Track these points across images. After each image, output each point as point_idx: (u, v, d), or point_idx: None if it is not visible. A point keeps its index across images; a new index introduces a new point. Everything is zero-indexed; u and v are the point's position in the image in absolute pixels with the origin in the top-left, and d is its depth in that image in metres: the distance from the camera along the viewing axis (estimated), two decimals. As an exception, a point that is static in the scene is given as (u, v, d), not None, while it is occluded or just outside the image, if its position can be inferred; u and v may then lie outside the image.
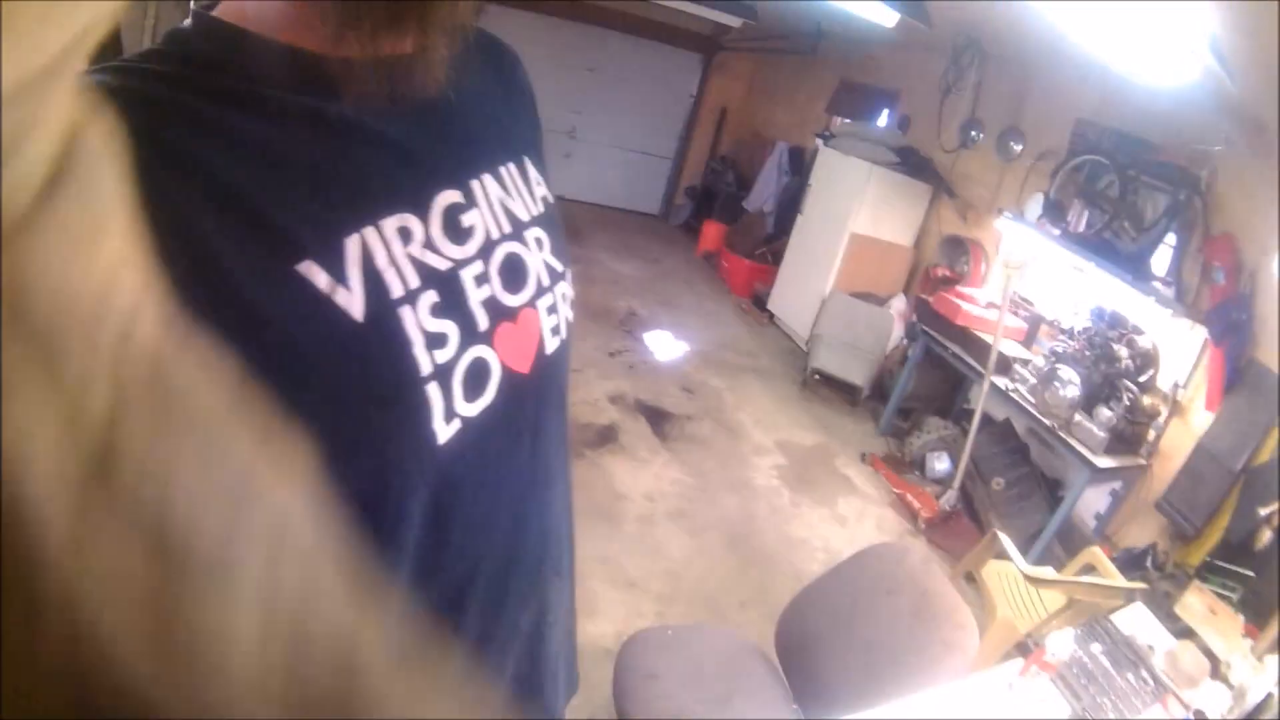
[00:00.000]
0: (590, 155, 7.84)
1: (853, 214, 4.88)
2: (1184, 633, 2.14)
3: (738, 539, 3.09)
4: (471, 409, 0.53)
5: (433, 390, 0.49)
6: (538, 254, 0.61)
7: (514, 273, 0.58)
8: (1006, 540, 2.50)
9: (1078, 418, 3.12)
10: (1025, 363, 3.49)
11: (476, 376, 0.53)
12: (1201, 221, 3.15)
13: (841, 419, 4.45)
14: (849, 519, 3.45)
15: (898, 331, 4.68)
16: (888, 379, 4.56)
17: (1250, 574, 2.50)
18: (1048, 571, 2.48)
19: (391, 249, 0.49)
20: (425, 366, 0.49)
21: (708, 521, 3.15)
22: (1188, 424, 3.11)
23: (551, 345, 0.61)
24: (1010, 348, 3.67)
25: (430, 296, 0.50)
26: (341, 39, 0.45)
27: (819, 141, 5.61)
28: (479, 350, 0.53)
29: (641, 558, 2.82)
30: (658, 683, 1.65)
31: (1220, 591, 2.36)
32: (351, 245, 0.47)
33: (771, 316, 5.76)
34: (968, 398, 4.27)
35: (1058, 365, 3.26)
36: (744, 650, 1.84)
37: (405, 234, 0.50)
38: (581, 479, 3.23)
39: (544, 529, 0.66)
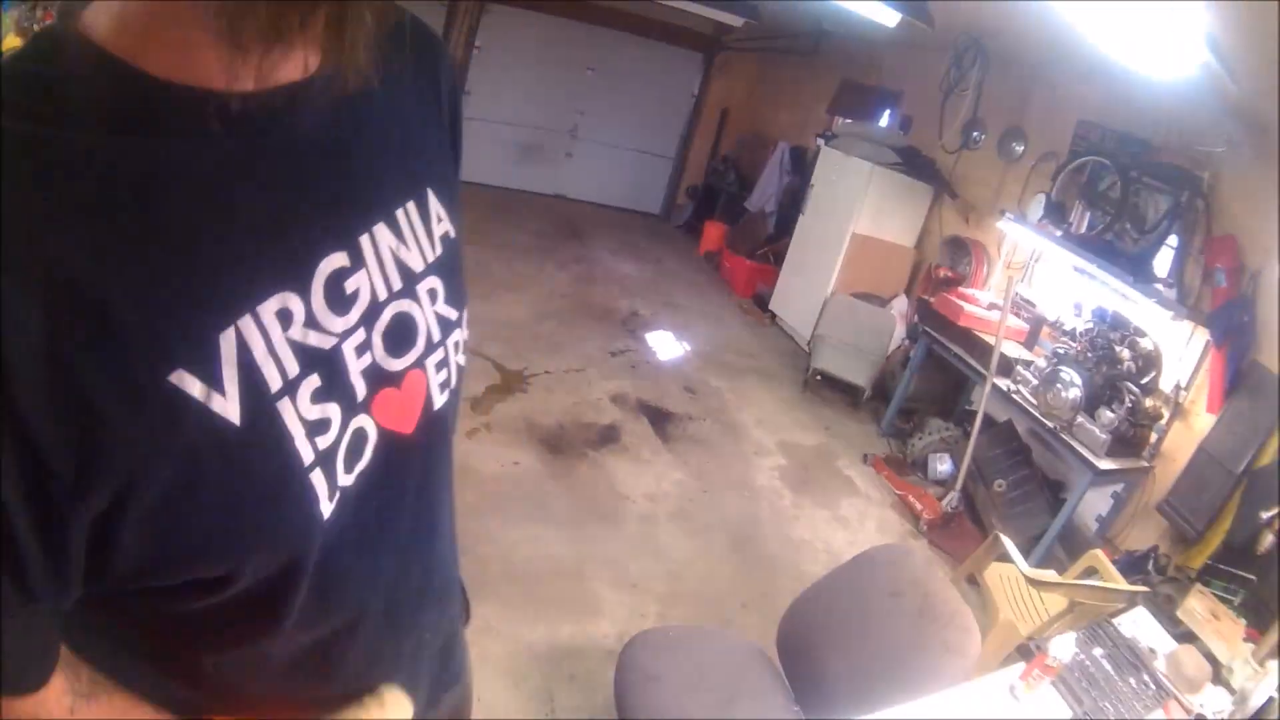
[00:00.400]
0: (592, 155, 7.84)
1: (854, 214, 4.88)
2: (1185, 636, 2.14)
3: (739, 540, 3.09)
4: (348, 478, 0.52)
5: (316, 477, 0.48)
6: (429, 308, 0.58)
7: (401, 333, 0.55)
8: (1008, 542, 2.49)
9: (1079, 420, 3.11)
10: (1027, 364, 3.48)
11: (355, 447, 0.52)
12: (1203, 223, 3.15)
13: (843, 420, 4.44)
14: (851, 520, 3.45)
15: (899, 332, 4.68)
16: (889, 380, 4.56)
17: (1252, 578, 2.50)
18: (1049, 574, 2.48)
19: (270, 336, 0.45)
20: (308, 456, 0.47)
21: (709, 522, 3.15)
22: (1189, 426, 3.11)
23: (440, 400, 0.60)
24: (1012, 349, 3.67)
25: (312, 382, 0.48)
26: (231, 63, 0.40)
27: (820, 142, 5.61)
28: (359, 421, 0.52)
29: (643, 559, 2.82)
30: (659, 684, 1.65)
31: (1222, 595, 2.36)
32: (225, 343, 0.43)
33: (773, 317, 5.76)
34: (969, 399, 4.27)
35: (1060, 367, 3.26)
36: (746, 652, 1.84)
37: (285, 316, 0.46)
38: (583, 479, 3.23)
39: (428, 566, 0.68)
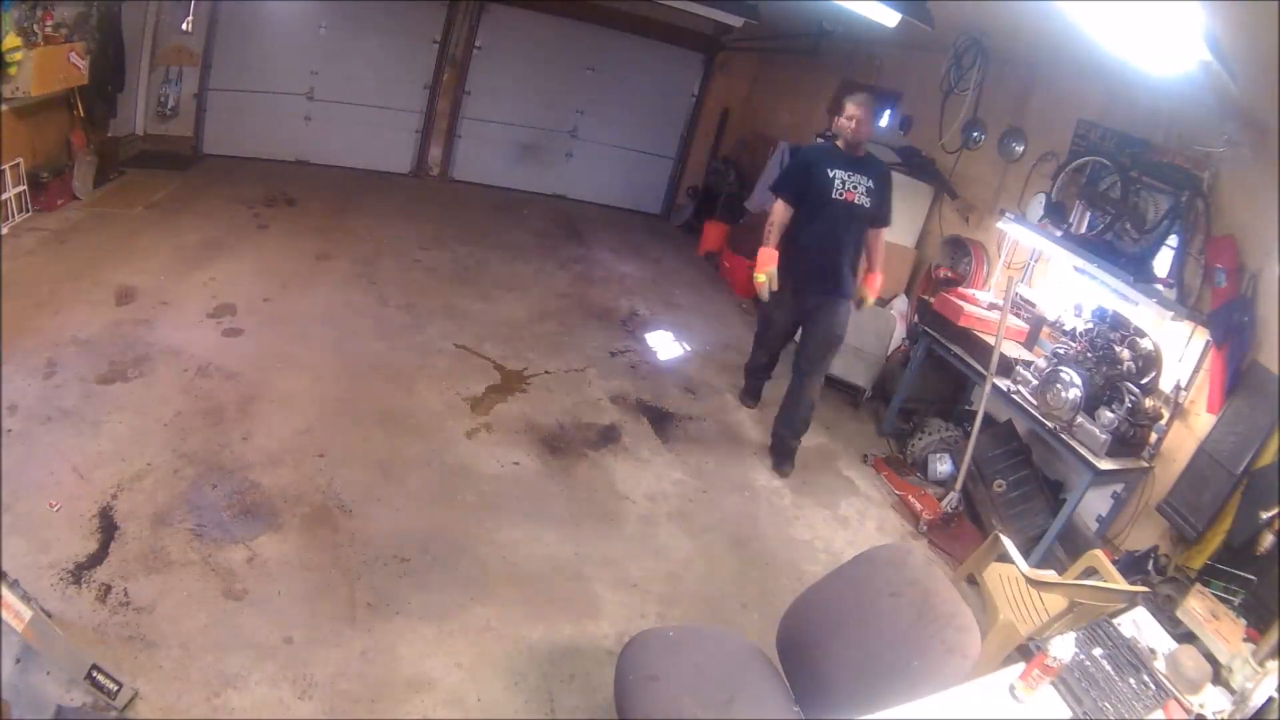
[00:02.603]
0: (592, 155, 7.84)
1: (854, 215, 4.87)
2: (1185, 636, 2.14)
3: (739, 540, 3.09)
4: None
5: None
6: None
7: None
8: (1008, 542, 2.49)
9: (1079, 420, 3.11)
10: (1027, 364, 3.48)
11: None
12: (1203, 223, 3.15)
13: (843, 420, 4.44)
14: (851, 520, 3.45)
15: (900, 332, 4.68)
16: (889, 380, 4.55)
17: (1252, 578, 2.49)
18: (1049, 574, 2.48)
19: None
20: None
21: (709, 522, 3.15)
22: (1189, 426, 3.10)
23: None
24: (1012, 349, 3.67)
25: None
26: None
27: (820, 142, 5.60)
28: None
29: (643, 559, 2.82)
30: (659, 684, 1.65)
31: (1222, 595, 2.36)
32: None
33: (773, 317, 5.75)
34: (970, 399, 4.27)
35: (1059, 367, 3.26)
36: (745, 652, 1.84)
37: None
38: (583, 479, 3.23)
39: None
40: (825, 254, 3.47)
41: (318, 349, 3.73)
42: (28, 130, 4.36)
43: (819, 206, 3.42)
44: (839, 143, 3.49)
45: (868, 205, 3.42)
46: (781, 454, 3.72)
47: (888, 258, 5.20)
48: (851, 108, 3.38)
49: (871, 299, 3.66)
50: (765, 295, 3.50)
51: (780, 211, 3.51)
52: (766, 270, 3.45)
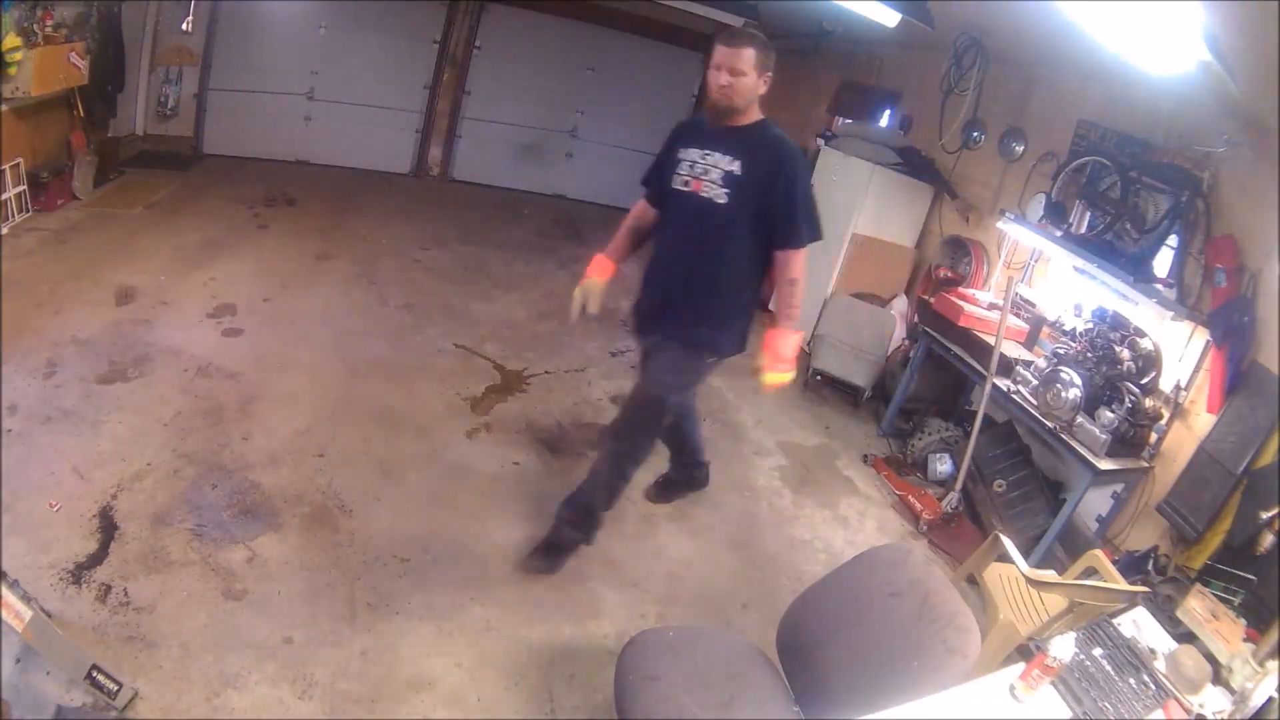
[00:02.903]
0: (591, 155, 7.84)
1: (855, 215, 4.87)
2: (1185, 637, 2.14)
3: (739, 540, 3.09)
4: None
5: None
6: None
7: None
8: (1008, 542, 2.49)
9: (1079, 420, 3.11)
10: (1027, 364, 3.48)
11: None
12: (1203, 223, 3.15)
13: (843, 420, 4.44)
14: (850, 520, 3.44)
15: (899, 332, 4.68)
16: (889, 380, 4.55)
17: (1252, 578, 2.49)
18: (1049, 574, 2.48)
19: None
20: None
21: (709, 523, 3.15)
22: (1189, 426, 3.10)
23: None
24: (1012, 349, 3.67)
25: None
26: None
27: (820, 142, 5.61)
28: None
29: (643, 559, 2.82)
30: (659, 684, 1.65)
31: (1222, 595, 2.36)
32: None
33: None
34: (970, 399, 4.26)
35: (1059, 367, 3.26)
36: (745, 652, 1.84)
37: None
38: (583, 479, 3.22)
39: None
40: (660, 276, 2.46)
41: (318, 349, 3.73)
42: (28, 130, 4.36)
43: (664, 203, 2.44)
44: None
45: (723, 202, 2.24)
46: (550, 546, 2.57)
47: (886, 258, 5.27)
48: (719, 53, 2.20)
49: (769, 377, 2.31)
50: (573, 315, 2.48)
51: (636, 209, 2.57)
52: (584, 283, 2.49)
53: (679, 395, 2.53)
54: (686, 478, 3.13)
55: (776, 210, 2.25)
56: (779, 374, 2.31)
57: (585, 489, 2.54)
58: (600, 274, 2.51)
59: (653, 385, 2.48)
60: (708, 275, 2.35)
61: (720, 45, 2.20)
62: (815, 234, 2.33)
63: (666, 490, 3.12)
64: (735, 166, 2.23)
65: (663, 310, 2.45)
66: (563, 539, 2.57)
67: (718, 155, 2.25)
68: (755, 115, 2.29)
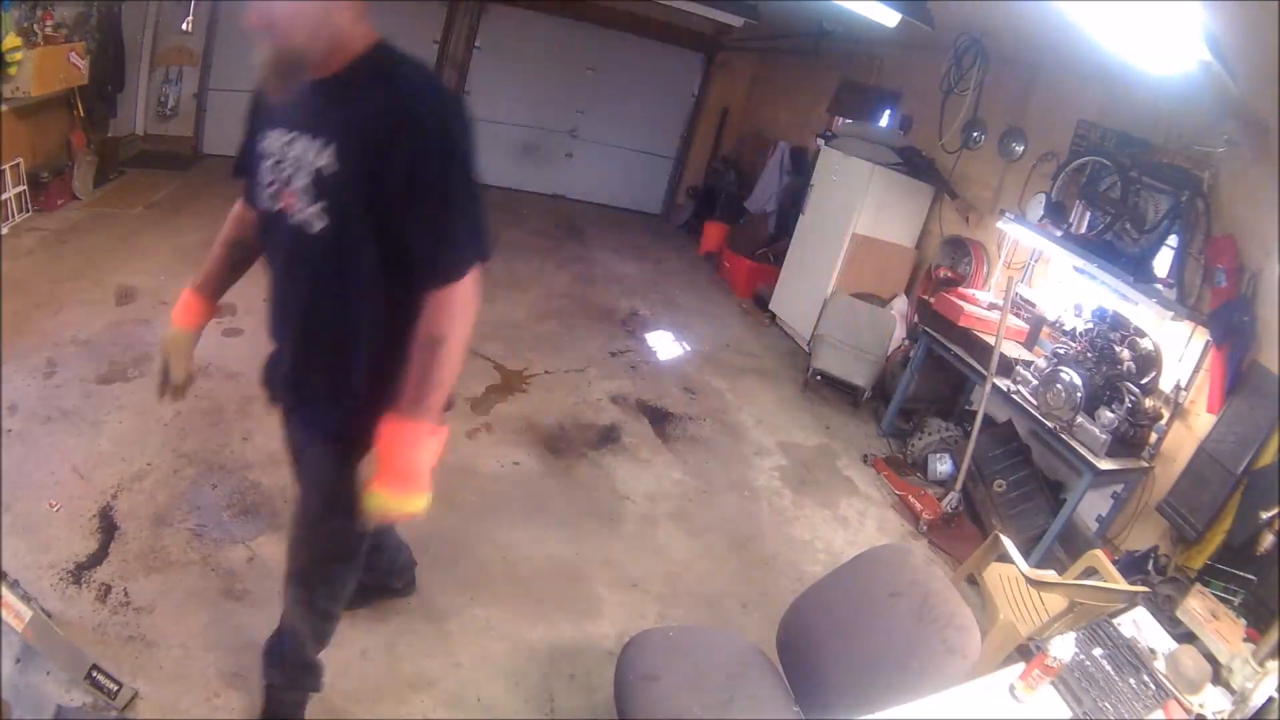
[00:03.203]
0: (592, 155, 7.83)
1: (854, 214, 4.88)
2: (1185, 637, 2.14)
3: (739, 540, 3.09)
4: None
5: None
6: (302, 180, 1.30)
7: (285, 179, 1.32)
8: (1008, 542, 2.49)
9: (1079, 420, 3.11)
10: (1027, 364, 3.48)
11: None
12: (1203, 223, 3.15)
13: (843, 420, 4.44)
14: (851, 520, 3.45)
15: (899, 332, 4.68)
16: (889, 380, 4.55)
17: (1252, 578, 2.49)
18: (1049, 574, 2.48)
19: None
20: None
21: (709, 522, 3.15)
22: (1189, 426, 3.10)
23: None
24: (1012, 349, 3.67)
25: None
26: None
27: (821, 142, 5.61)
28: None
29: (643, 559, 2.82)
30: (659, 684, 1.65)
31: (1222, 595, 2.36)
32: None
33: (773, 317, 5.76)
34: (970, 399, 4.27)
35: (1059, 367, 3.26)
36: (745, 652, 1.84)
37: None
38: (583, 479, 3.23)
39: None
40: (275, 322, 1.53)
41: (318, 349, 3.72)
42: (28, 130, 4.36)
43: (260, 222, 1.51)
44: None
45: (319, 228, 1.29)
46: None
47: (886, 258, 5.30)
48: None
49: (378, 499, 1.32)
50: (156, 383, 1.66)
51: (232, 215, 1.72)
52: (165, 337, 1.64)
53: (349, 519, 1.42)
54: (377, 583, 2.20)
55: (404, 219, 1.27)
56: (399, 499, 1.32)
57: (288, 639, 1.77)
58: (187, 320, 1.62)
59: (314, 511, 1.59)
60: (330, 335, 1.41)
61: None
62: (480, 249, 1.38)
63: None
64: (326, 158, 1.25)
65: (291, 372, 1.50)
66: (282, 705, 1.83)
67: (303, 141, 1.27)
68: (355, 47, 1.24)
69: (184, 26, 5.67)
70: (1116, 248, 3.41)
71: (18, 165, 4.25)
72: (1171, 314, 3.07)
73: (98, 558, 2.21)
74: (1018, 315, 3.86)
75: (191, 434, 2.87)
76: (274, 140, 1.32)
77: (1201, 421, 3.04)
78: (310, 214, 1.29)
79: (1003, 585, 2.59)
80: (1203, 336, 3.07)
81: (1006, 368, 3.51)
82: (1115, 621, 1.93)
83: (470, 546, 2.66)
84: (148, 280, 3.97)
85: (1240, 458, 2.76)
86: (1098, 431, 3.03)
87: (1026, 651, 2.10)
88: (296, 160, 1.28)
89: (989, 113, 4.56)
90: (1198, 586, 2.43)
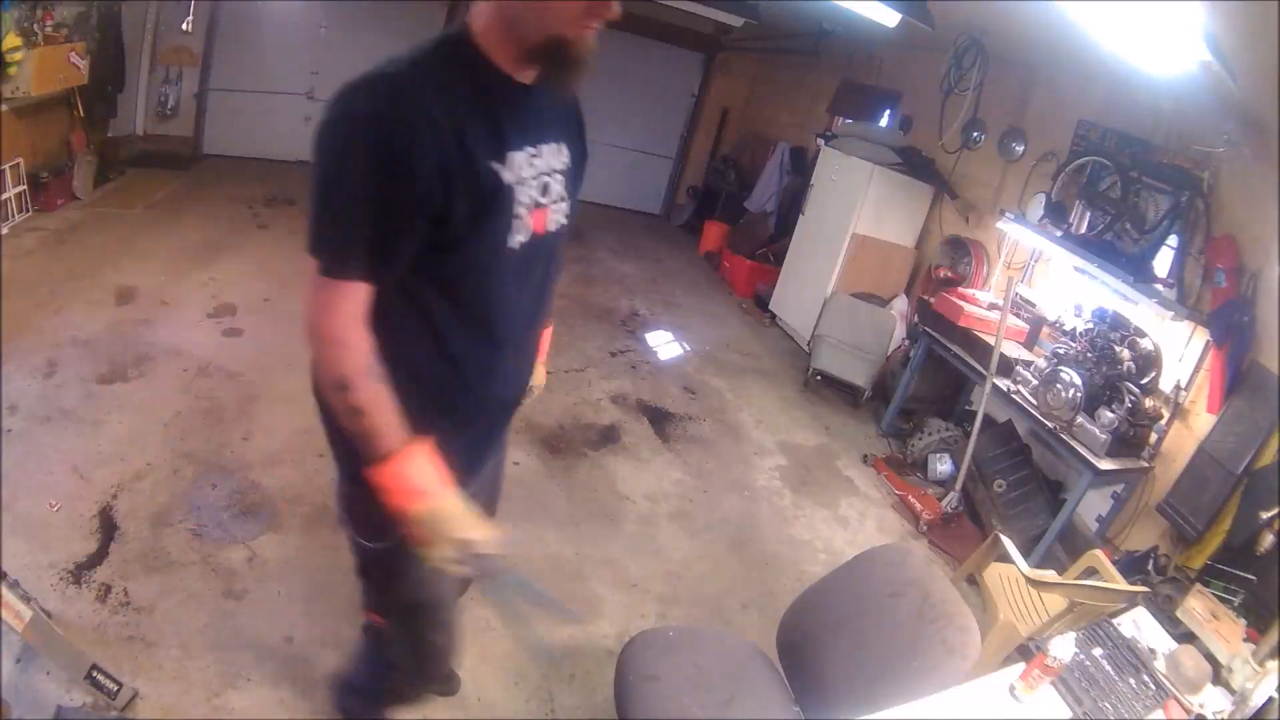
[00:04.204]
0: (592, 155, 7.81)
1: (854, 214, 4.88)
2: (1185, 636, 2.14)
3: (739, 540, 3.09)
4: (516, 241, 1.19)
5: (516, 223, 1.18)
6: (558, 186, 1.28)
7: (546, 189, 1.23)
8: (1008, 542, 2.49)
9: (1079, 420, 3.11)
10: (1027, 364, 3.48)
11: (520, 228, 1.19)
12: (1203, 223, 3.15)
13: (843, 420, 4.44)
14: (851, 520, 3.45)
15: (900, 332, 4.68)
16: (889, 380, 4.56)
17: (1252, 578, 2.49)
18: (1049, 574, 2.47)
19: (519, 162, 1.16)
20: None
21: (709, 522, 3.15)
22: (1189, 427, 3.10)
23: (554, 228, 1.28)
24: (1012, 349, 3.67)
25: (527, 187, 1.18)
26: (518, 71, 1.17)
27: (821, 142, 5.61)
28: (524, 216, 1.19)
29: (643, 559, 2.82)
30: (659, 684, 1.65)
31: (1222, 595, 2.36)
32: (510, 159, 1.15)
33: (773, 317, 5.76)
34: (970, 399, 4.27)
35: (1059, 367, 3.26)
36: (745, 652, 1.84)
37: (524, 158, 1.17)
38: (583, 479, 3.23)
39: (537, 328, 1.51)
40: (507, 340, 1.30)
41: (318, 349, 3.72)
42: (28, 130, 4.36)
43: (488, 250, 1.19)
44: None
45: (565, 222, 1.33)
46: None
47: (886, 258, 5.28)
48: None
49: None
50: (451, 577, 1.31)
51: (357, 317, 1.08)
52: (431, 513, 1.13)
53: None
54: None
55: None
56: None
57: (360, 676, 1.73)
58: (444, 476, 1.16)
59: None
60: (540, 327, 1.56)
61: None
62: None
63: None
64: (564, 157, 1.32)
65: (518, 375, 1.44)
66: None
67: (547, 149, 1.25)
68: None
69: (184, 26, 5.67)
70: (1116, 248, 3.41)
71: (18, 165, 4.25)
72: (1171, 314, 3.07)
73: (97, 558, 2.21)
74: (1018, 315, 3.86)
75: (191, 434, 2.87)
76: (518, 165, 1.16)
77: (1201, 421, 3.04)
78: (561, 214, 1.30)
79: (1003, 585, 2.59)
80: (1203, 336, 3.07)
81: (1006, 368, 3.51)
82: (1115, 621, 1.93)
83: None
84: (148, 280, 3.97)
85: (1240, 458, 2.76)
86: (1098, 431, 3.03)
87: (1026, 651, 2.10)
88: (549, 169, 1.24)
89: (989, 113, 4.56)
90: (1198, 586, 2.44)
